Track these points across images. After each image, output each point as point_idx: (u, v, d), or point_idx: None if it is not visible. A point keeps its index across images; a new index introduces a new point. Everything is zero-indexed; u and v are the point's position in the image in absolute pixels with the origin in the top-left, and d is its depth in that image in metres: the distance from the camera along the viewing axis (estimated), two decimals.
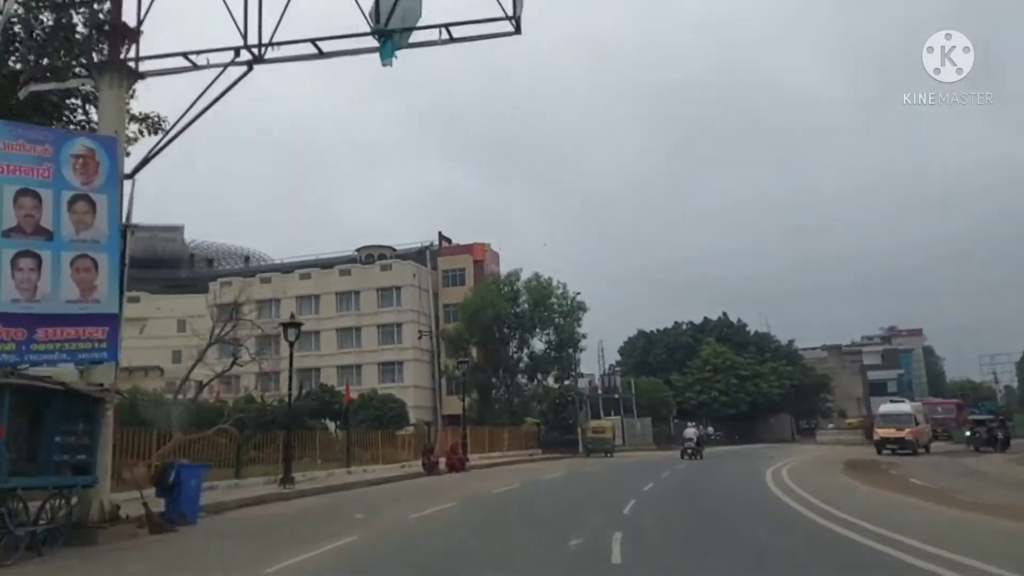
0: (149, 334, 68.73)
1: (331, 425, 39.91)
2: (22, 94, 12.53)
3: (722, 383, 71.80)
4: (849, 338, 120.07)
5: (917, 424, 39.21)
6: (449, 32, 11.90)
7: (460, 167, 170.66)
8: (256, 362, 37.84)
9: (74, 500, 10.66)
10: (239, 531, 12.59)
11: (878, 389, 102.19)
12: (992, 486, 19.72)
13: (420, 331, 55.09)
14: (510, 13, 11.55)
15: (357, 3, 11.83)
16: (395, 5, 11.51)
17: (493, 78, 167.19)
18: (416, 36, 11.95)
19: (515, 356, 48.76)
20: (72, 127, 15.52)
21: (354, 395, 46.52)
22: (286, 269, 68.75)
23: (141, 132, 21.13)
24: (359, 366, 61.78)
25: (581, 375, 60.29)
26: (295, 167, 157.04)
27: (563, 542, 10.33)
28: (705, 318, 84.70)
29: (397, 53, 11.82)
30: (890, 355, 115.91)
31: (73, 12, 14.61)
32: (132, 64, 12.33)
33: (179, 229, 78.79)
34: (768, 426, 76.29)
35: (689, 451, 36.73)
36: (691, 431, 38.86)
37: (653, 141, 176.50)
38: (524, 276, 49.33)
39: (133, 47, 12.40)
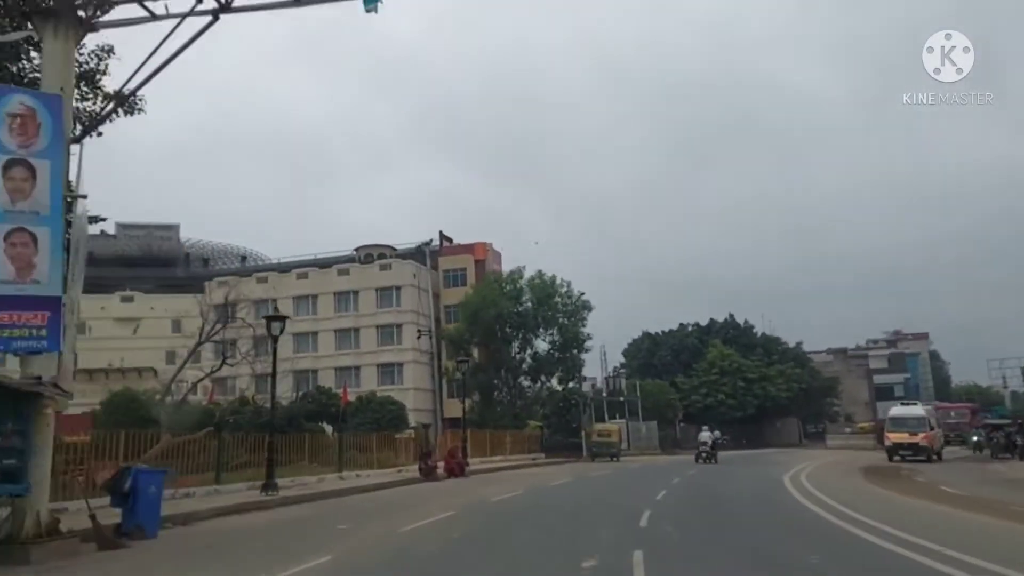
0: (143, 334, 67.54)
1: (328, 428, 38.49)
2: None
3: (729, 386, 70.11)
4: (853, 341, 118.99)
5: (932, 429, 37.38)
6: None
7: (461, 167, 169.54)
8: (248, 362, 36.48)
9: (3, 512, 9.13)
10: (201, 547, 11.01)
11: (884, 393, 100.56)
12: None
13: (419, 330, 53.44)
14: None
15: None
16: None
17: (493, 78, 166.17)
18: None
19: (518, 357, 47.07)
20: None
21: (352, 397, 45.11)
22: (283, 269, 67.27)
23: (117, 112, 19.79)
24: (357, 368, 60.23)
25: (584, 378, 58.66)
26: (295, 168, 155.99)
27: (575, 563, 8.74)
28: (711, 319, 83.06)
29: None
30: (896, 359, 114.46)
31: None
32: (82, 13, 10.79)
33: (175, 228, 77.48)
34: (775, 430, 74.53)
35: (704, 455, 36.09)
36: (706, 435, 37.96)
37: (653, 141, 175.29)
38: (527, 275, 47.78)
39: None
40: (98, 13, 10.84)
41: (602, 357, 62.93)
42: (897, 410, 38.83)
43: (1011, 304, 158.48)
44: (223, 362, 34.89)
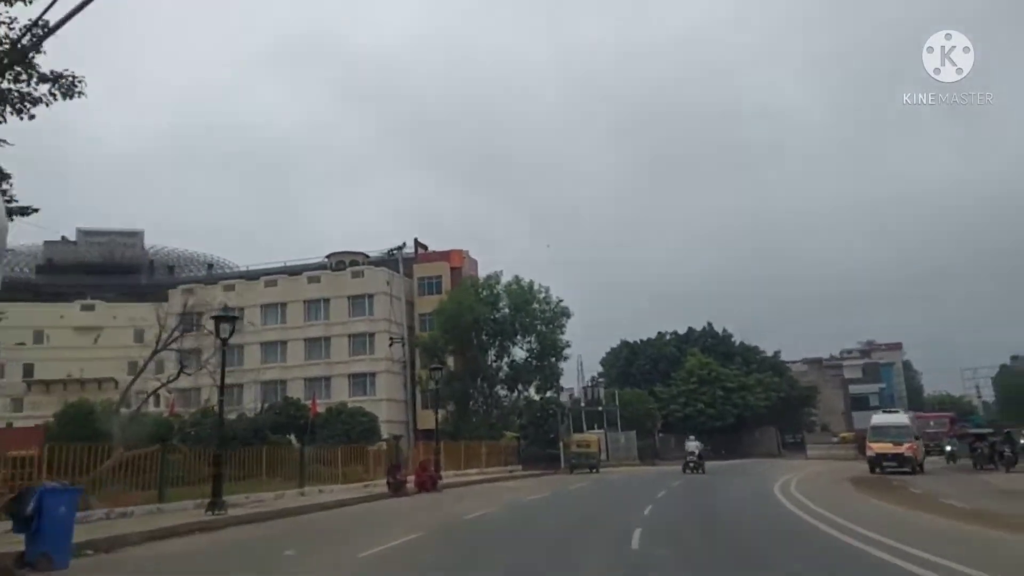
0: (104, 344, 64.93)
1: (296, 441, 36.71)
2: None
3: (708, 395, 69.05)
4: (827, 351, 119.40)
5: (916, 438, 35.85)
6: None
7: (436, 178, 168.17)
8: (209, 372, 34.63)
9: None
10: None
11: (860, 403, 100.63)
12: None
13: (391, 338, 51.55)
14: None
15: None
16: None
17: (469, 90, 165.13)
18: None
19: (494, 365, 45.36)
20: None
21: (322, 408, 43.28)
22: (251, 276, 65.12)
23: (53, 95, 18.09)
24: (328, 378, 58.16)
25: (562, 388, 57.11)
26: (268, 177, 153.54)
27: None
28: (689, 328, 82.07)
29: None
30: (871, 369, 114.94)
31: None
32: None
33: (139, 234, 74.97)
34: (754, 440, 73.48)
35: (691, 464, 35.40)
36: (693, 444, 37.11)
37: (629, 153, 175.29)
38: (504, 280, 46.14)
39: None
40: None
41: (579, 367, 61.60)
42: (879, 418, 36.09)
43: (980, 315, 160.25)
44: (180, 372, 32.91)
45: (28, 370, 61.55)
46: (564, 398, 58.80)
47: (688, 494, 23.22)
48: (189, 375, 34.54)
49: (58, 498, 9.77)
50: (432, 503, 21.03)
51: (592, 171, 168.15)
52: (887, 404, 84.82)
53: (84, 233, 73.39)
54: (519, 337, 45.14)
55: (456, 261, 61.20)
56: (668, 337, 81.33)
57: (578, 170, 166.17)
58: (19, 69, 17.18)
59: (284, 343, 60.26)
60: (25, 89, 17.39)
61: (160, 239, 79.43)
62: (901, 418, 36.03)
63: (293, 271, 64.02)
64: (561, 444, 45.89)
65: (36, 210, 19.53)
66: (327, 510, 19.07)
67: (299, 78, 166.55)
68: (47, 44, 15.08)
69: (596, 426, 55.42)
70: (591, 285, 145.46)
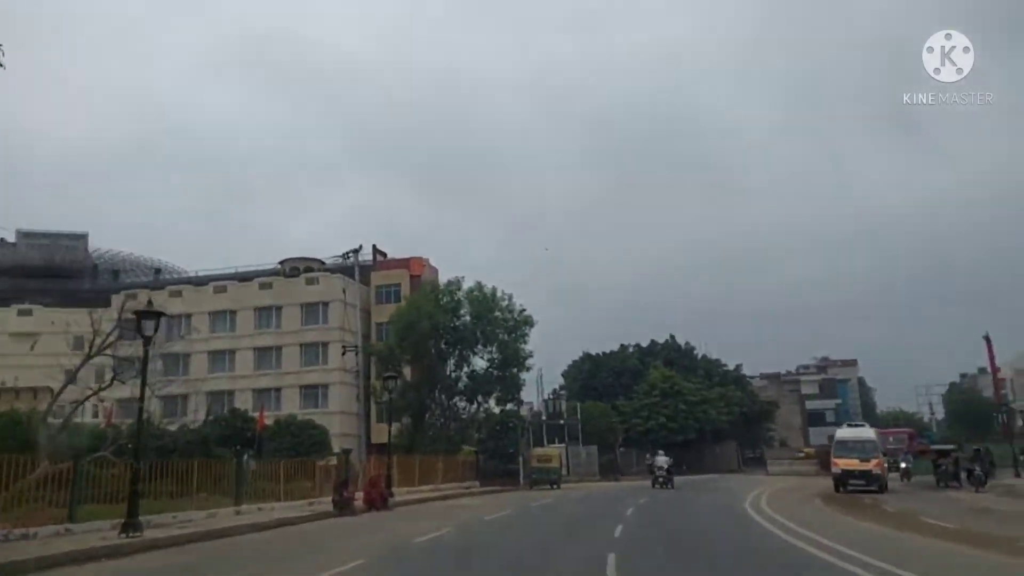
0: (41, 351, 61.48)
1: (244, 454, 34.60)
2: None
3: (670, 409, 68.00)
4: (783, 366, 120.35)
5: (885, 454, 34.49)
6: None
7: (397, 187, 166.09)
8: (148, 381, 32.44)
9: None
10: None
11: (816, 419, 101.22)
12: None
13: (344, 346, 49.40)
14: None
15: None
16: None
17: (433, 99, 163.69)
18: None
19: (453, 375, 43.53)
20: None
21: (270, 421, 41.14)
22: (200, 282, 62.42)
23: None
24: (278, 389, 55.81)
25: (522, 401, 55.44)
26: (223, 183, 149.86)
27: None
28: (652, 340, 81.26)
29: None
30: (828, 384, 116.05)
31: None
32: None
33: (83, 237, 71.63)
34: (714, 455, 72.58)
35: (661, 479, 34.93)
36: (663, 459, 36.40)
37: (593, 165, 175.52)
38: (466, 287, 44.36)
39: None
40: None
41: (539, 380, 60.02)
42: (845, 432, 33.74)
43: (931, 332, 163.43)
44: (113, 379, 30.60)
45: None
46: (524, 411, 57.16)
47: (660, 513, 21.77)
48: (124, 383, 32.27)
49: None
50: (380, 523, 19.21)
51: (558, 181, 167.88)
52: (844, 420, 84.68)
53: (24, 235, 69.90)
54: (480, 346, 43.42)
55: (416, 269, 59.29)
56: (631, 350, 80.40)
57: (544, 181, 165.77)
58: None
59: (233, 352, 57.76)
60: None
61: (106, 243, 76.23)
62: (867, 432, 33.67)
63: (244, 277, 61.52)
64: (521, 459, 44.27)
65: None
66: (262, 531, 17.16)
67: (256, 81, 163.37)
68: None
69: (557, 440, 53.90)
70: (554, 296, 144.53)
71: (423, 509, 24.87)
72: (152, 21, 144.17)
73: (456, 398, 44.50)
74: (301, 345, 56.56)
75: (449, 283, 44.72)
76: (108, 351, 32.68)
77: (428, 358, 42.94)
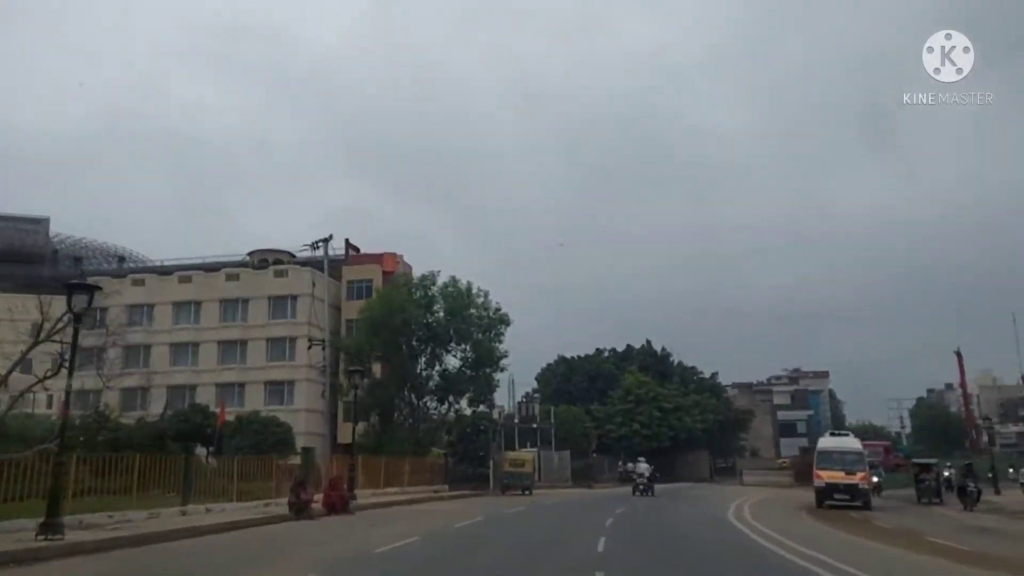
0: None
1: (202, 451, 32.87)
2: None
3: (644, 415, 66.90)
4: (755, 376, 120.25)
5: (873, 466, 33.15)
6: None
7: (371, 183, 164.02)
8: (98, 373, 30.54)
9: None
10: None
11: (788, 430, 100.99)
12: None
13: (311, 340, 47.47)
14: None
15: None
16: None
17: (410, 95, 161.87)
18: None
19: (424, 374, 41.78)
20: None
21: (231, 417, 39.26)
22: (165, 272, 59.95)
23: None
24: (242, 384, 53.56)
25: (493, 404, 53.85)
26: (194, 174, 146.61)
27: None
28: (628, 345, 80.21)
29: None
30: (800, 396, 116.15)
31: None
32: None
33: (44, 221, 68.68)
34: (687, 464, 71.59)
35: (641, 487, 34.59)
36: (644, 466, 35.98)
37: (568, 167, 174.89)
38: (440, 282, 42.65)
39: None
40: None
41: (510, 383, 58.45)
42: (828, 442, 31.19)
43: (900, 346, 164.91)
44: (59, 368, 28.58)
45: None
46: (495, 414, 55.59)
47: (643, 523, 20.38)
48: (68, 371, 30.31)
49: None
50: (339, 529, 17.54)
51: (534, 184, 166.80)
52: (815, 431, 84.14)
53: None
54: (453, 344, 41.75)
55: (389, 265, 57.38)
56: (607, 354, 79.25)
57: (522, 184, 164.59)
58: None
59: (196, 345, 55.44)
60: None
61: (70, 229, 73.35)
62: (852, 442, 30.95)
63: (211, 267, 59.17)
64: (492, 463, 42.68)
65: None
66: (208, 535, 15.45)
67: (229, 73, 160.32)
68: None
69: (529, 444, 52.41)
70: (527, 297, 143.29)
71: (388, 514, 23.23)
72: (123, 5, 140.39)
73: (427, 398, 42.81)
74: (268, 339, 54.41)
75: (423, 277, 42.96)
76: (57, 338, 30.57)
77: (399, 355, 41.18)
